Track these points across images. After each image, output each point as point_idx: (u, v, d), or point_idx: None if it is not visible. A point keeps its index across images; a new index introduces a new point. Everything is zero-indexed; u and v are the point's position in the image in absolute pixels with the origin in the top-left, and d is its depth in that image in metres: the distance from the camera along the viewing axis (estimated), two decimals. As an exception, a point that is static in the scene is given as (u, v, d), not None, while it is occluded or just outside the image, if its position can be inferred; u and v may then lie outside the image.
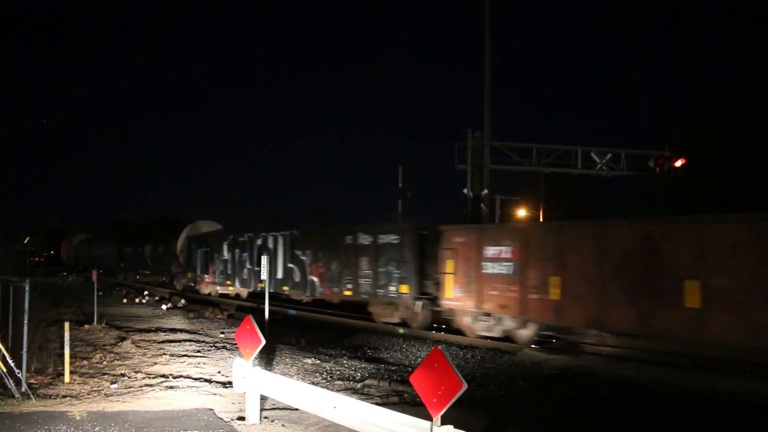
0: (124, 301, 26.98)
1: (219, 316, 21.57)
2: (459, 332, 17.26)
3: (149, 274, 41.45)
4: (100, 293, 23.16)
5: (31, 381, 9.76)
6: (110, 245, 50.35)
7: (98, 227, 73.07)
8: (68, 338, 10.16)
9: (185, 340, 15.07)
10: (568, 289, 13.98)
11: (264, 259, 16.55)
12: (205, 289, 31.54)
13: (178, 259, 34.75)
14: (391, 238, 18.74)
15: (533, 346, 15.16)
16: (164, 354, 12.96)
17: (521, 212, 41.08)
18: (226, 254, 28.92)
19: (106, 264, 49.02)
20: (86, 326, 16.71)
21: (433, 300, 17.68)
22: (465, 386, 4.96)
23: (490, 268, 15.90)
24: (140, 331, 16.69)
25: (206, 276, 30.84)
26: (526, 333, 15.57)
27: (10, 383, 9.02)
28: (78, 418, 7.96)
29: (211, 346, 14.16)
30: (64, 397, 9.15)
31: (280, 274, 24.31)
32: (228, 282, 28.86)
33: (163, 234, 39.86)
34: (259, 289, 25.41)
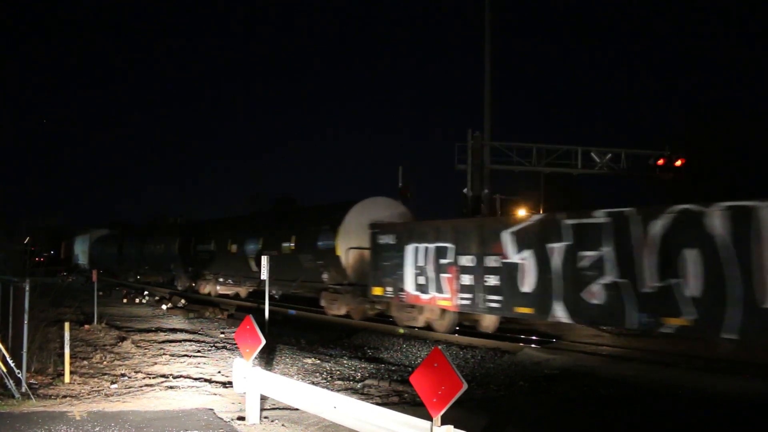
0: (124, 301, 26.98)
1: (219, 316, 21.57)
2: (458, 332, 17.19)
3: (245, 283, 28.45)
4: (100, 293, 23.16)
5: (31, 381, 9.75)
6: (163, 243, 37.60)
7: (125, 223, 64.43)
8: (68, 338, 10.16)
9: (185, 340, 15.07)
10: None
11: (264, 259, 16.53)
12: (435, 320, 17.56)
13: (337, 262, 20.90)
14: None
15: (533, 345, 15.16)
16: (164, 354, 12.96)
17: (521, 212, 41.05)
18: (515, 255, 14.59)
19: (155, 266, 39.22)
20: (86, 326, 16.71)
21: None
22: (465, 386, 4.96)
23: None
24: (140, 331, 16.69)
25: (437, 294, 16.63)
26: None
27: (10, 383, 9.02)
28: (78, 418, 7.96)
29: (212, 346, 14.16)
30: (64, 397, 9.15)
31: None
32: (525, 309, 14.43)
33: (291, 222, 25.54)
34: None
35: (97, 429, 7.45)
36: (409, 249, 17.55)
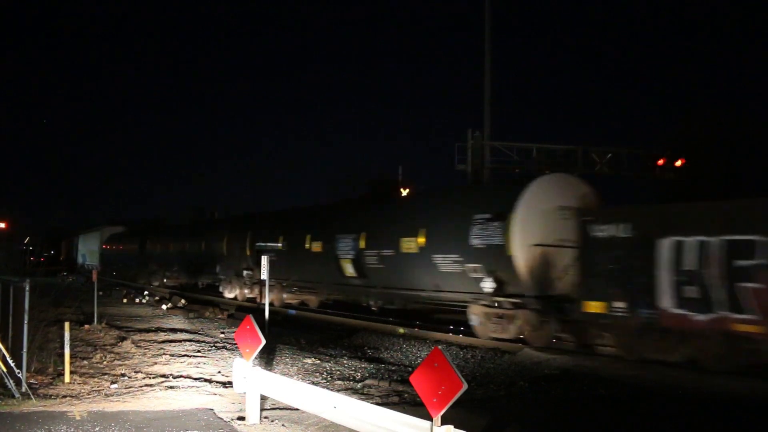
0: (124, 301, 26.97)
1: (219, 316, 21.56)
2: (458, 332, 17.14)
3: (327, 291, 22.92)
4: (100, 293, 23.17)
5: (31, 381, 9.76)
6: (203, 240, 30.90)
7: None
8: (68, 338, 10.17)
9: (185, 340, 15.07)
10: None
11: (264, 259, 16.49)
12: (712, 351, 11.54)
13: (507, 265, 15.01)
14: None
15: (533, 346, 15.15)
16: (164, 354, 12.97)
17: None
18: None
19: (190, 268, 32.81)
20: (86, 326, 16.71)
21: None
22: (465, 386, 4.96)
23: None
24: (140, 331, 16.70)
25: (730, 314, 11.14)
26: None
27: (10, 383, 9.03)
28: (78, 418, 7.97)
29: (212, 346, 14.16)
30: (64, 397, 9.16)
31: None
32: None
33: (417, 210, 18.83)
34: None
35: (97, 429, 7.46)
36: (665, 245, 12.05)
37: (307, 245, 22.15)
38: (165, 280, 36.81)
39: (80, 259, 55.08)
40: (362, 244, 19.43)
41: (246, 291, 27.07)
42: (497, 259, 15.19)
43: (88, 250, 53.85)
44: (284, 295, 24.54)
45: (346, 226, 20.60)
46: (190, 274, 33.38)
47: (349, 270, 19.95)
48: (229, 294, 28.39)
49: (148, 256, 39.30)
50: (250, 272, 25.69)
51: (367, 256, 19.36)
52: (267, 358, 12.44)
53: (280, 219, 26.52)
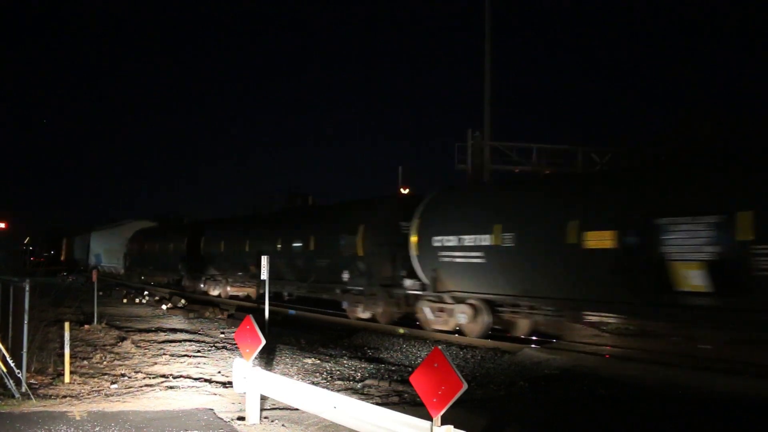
0: (124, 301, 26.97)
1: (219, 316, 21.56)
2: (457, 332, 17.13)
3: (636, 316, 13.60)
4: (100, 293, 23.17)
5: (31, 381, 9.76)
6: (313, 234, 21.75)
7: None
8: (68, 338, 10.17)
9: (185, 340, 15.07)
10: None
11: (264, 259, 16.47)
12: None
13: None
14: None
15: (533, 346, 15.15)
16: (164, 354, 12.97)
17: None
18: None
19: (286, 273, 23.53)
20: (86, 326, 16.72)
21: None
22: (465, 386, 4.96)
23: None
24: (140, 331, 16.70)
25: None
26: None
27: (10, 383, 9.03)
28: (78, 418, 7.97)
29: (212, 346, 14.16)
30: (64, 397, 9.16)
31: None
32: None
33: None
34: None
35: (97, 429, 7.46)
36: None
37: (570, 238, 13.34)
38: (229, 289, 28.87)
39: (92, 260, 46.94)
40: (743, 233, 10.69)
41: (395, 309, 18.86)
42: None
43: (106, 249, 46.61)
44: (486, 319, 15.97)
45: (690, 202, 11.52)
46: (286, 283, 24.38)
47: (694, 280, 11.47)
48: (362, 313, 19.64)
49: (205, 257, 30.45)
50: (416, 281, 17.74)
51: (758, 256, 10.61)
52: (267, 358, 12.45)
53: (491, 197, 16.91)
